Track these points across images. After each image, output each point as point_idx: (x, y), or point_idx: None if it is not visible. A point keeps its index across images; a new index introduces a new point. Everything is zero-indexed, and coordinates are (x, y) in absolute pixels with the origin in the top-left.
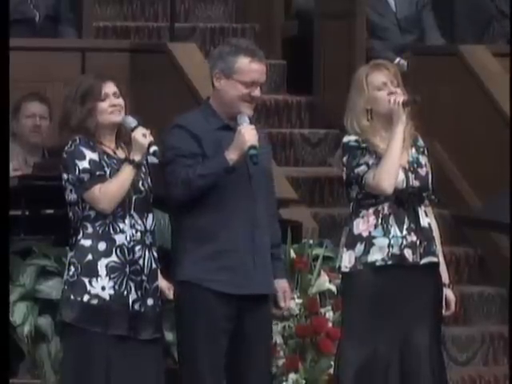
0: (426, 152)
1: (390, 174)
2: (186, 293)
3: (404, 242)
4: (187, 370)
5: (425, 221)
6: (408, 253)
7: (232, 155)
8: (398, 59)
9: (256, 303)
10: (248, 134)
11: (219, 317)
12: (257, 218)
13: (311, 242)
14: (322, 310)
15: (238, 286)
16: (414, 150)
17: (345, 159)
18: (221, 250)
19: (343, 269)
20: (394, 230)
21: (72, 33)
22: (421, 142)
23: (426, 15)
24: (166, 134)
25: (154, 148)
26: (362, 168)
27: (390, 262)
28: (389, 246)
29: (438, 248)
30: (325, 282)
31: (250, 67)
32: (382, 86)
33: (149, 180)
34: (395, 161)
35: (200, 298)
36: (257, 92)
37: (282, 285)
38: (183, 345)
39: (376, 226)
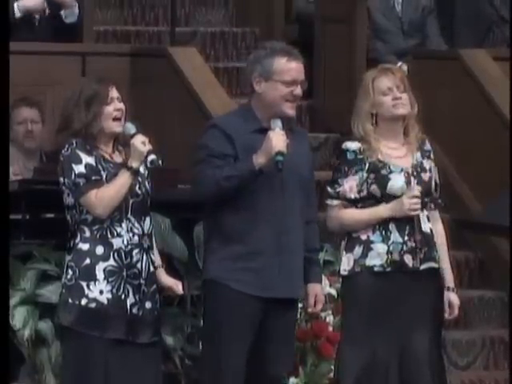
0: (431, 156)
1: (342, 229)
2: (211, 291)
3: (404, 248)
4: (209, 366)
5: (426, 226)
6: (408, 259)
7: (260, 159)
8: (399, 63)
9: (282, 306)
10: (276, 139)
11: (243, 316)
12: (286, 223)
13: None
14: (323, 314)
15: (261, 289)
16: (419, 153)
17: (333, 163)
18: (247, 252)
19: (342, 272)
20: (394, 235)
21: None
22: (428, 146)
23: (430, 22)
24: (202, 132)
25: (152, 157)
26: (333, 194)
27: (388, 269)
28: (388, 252)
29: (444, 251)
30: (325, 286)
31: (288, 66)
32: (387, 91)
33: (146, 183)
34: (359, 226)
35: (224, 297)
36: (298, 90)
37: (314, 289)
38: (207, 343)
39: (374, 231)
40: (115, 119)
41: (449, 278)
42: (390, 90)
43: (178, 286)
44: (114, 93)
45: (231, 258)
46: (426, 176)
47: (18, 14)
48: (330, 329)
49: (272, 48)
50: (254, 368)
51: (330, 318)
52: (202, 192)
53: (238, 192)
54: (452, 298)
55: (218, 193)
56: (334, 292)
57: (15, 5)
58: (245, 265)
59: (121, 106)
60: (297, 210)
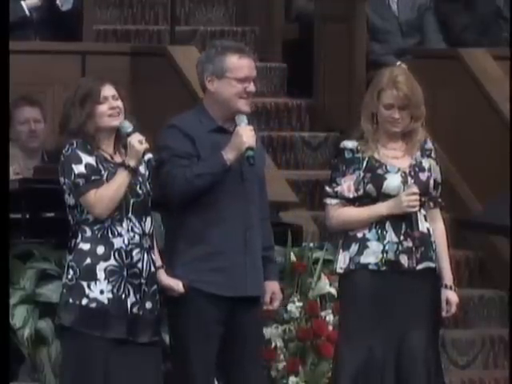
0: (432, 155)
1: (342, 228)
2: (180, 294)
3: (400, 248)
4: (180, 371)
5: (423, 225)
6: (404, 259)
7: (229, 155)
8: (398, 63)
9: (247, 305)
10: (246, 134)
11: (210, 318)
12: (249, 220)
13: (311, 245)
14: (323, 313)
15: (229, 288)
16: (419, 152)
17: (332, 162)
18: (213, 252)
19: (338, 270)
20: (390, 235)
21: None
22: (429, 145)
23: (427, 19)
24: (160, 134)
25: (148, 156)
26: (331, 193)
27: (383, 268)
28: (383, 251)
29: (444, 250)
30: (325, 285)
31: (241, 63)
32: (388, 106)
33: (147, 183)
34: (358, 224)
35: (191, 300)
36: (251, 87)
37: (271, 286)
38: (176, 347)
39: (370, 229)
40: (110, 118)
41: (447, 277)
42: (391, 107)
43: (178, 286)
44: (107, 91)
45: (198, 259)
46: (423, 176)
47: (27, 12)
48: (330, 328)
49: (222, 46)
50: (228, 371)
51: (329, 317)
52: (174, 192)
53: (205, 190)
54: (450, 295)
55: (190, 192)
56: (333, 291)
57: (23, 4)
58: (212, 265)
59: (117, 104)
60: (256, 206)
